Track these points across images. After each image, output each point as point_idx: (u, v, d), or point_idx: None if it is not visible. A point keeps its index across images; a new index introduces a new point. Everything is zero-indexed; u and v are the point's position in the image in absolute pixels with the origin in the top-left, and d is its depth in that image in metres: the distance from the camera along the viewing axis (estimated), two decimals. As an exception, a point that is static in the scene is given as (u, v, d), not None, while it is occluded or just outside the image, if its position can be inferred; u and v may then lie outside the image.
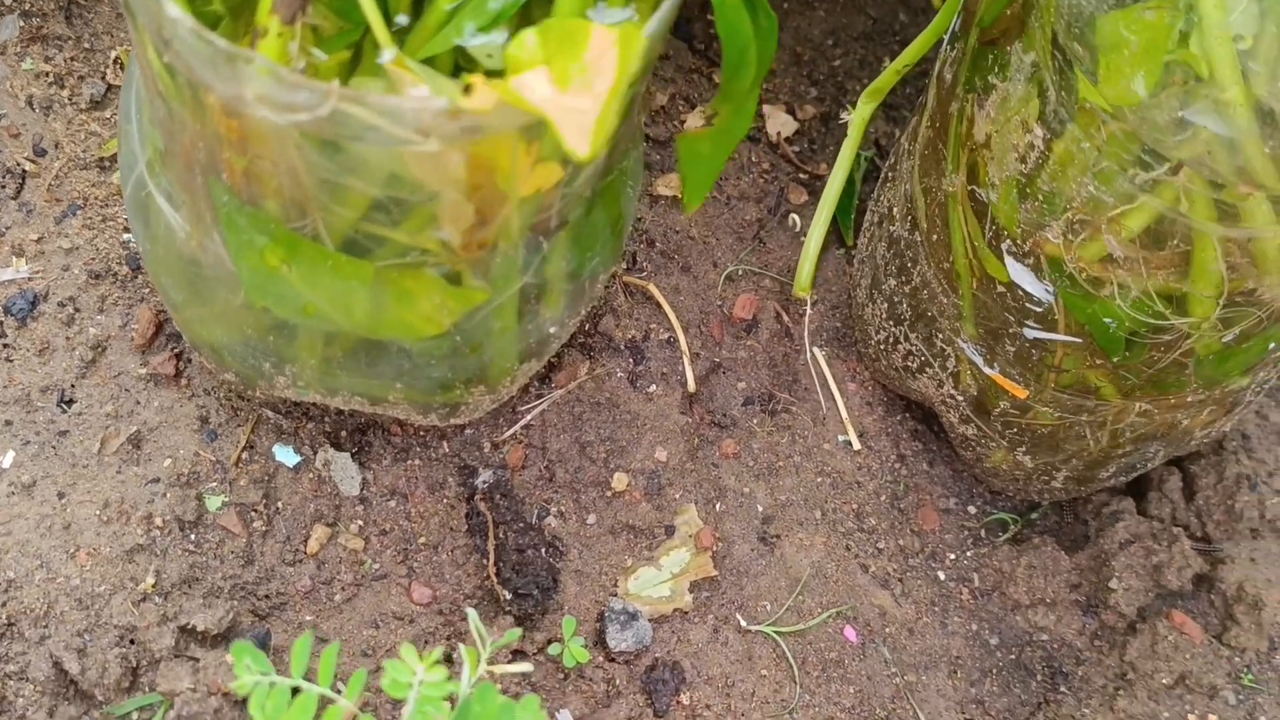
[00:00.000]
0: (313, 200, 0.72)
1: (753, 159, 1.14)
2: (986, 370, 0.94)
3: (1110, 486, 1.07)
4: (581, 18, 0.71)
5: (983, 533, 1.08)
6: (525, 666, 0.72)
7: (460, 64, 0.75)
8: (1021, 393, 0.93)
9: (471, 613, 0.75)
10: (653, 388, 1.02)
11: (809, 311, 1.10)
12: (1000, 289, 0.87)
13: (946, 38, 0.92)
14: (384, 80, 0.72)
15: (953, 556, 1.06)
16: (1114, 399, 0.91)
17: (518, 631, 0.77)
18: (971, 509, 1.09)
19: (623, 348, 1.03)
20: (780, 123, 1.16)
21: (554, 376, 1.00)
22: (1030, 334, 0.88)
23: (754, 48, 0.79)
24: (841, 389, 1.09)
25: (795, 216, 1.14)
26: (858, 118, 1.09)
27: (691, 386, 1.03)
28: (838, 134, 1.19)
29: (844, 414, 1.08)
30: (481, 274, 0.78)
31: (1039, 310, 0.86)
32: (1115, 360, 0.86)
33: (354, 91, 0.63)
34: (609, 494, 0.98)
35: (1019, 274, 0.85)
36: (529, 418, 0.98)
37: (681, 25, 1.19)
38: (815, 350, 1.10)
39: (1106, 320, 0.83)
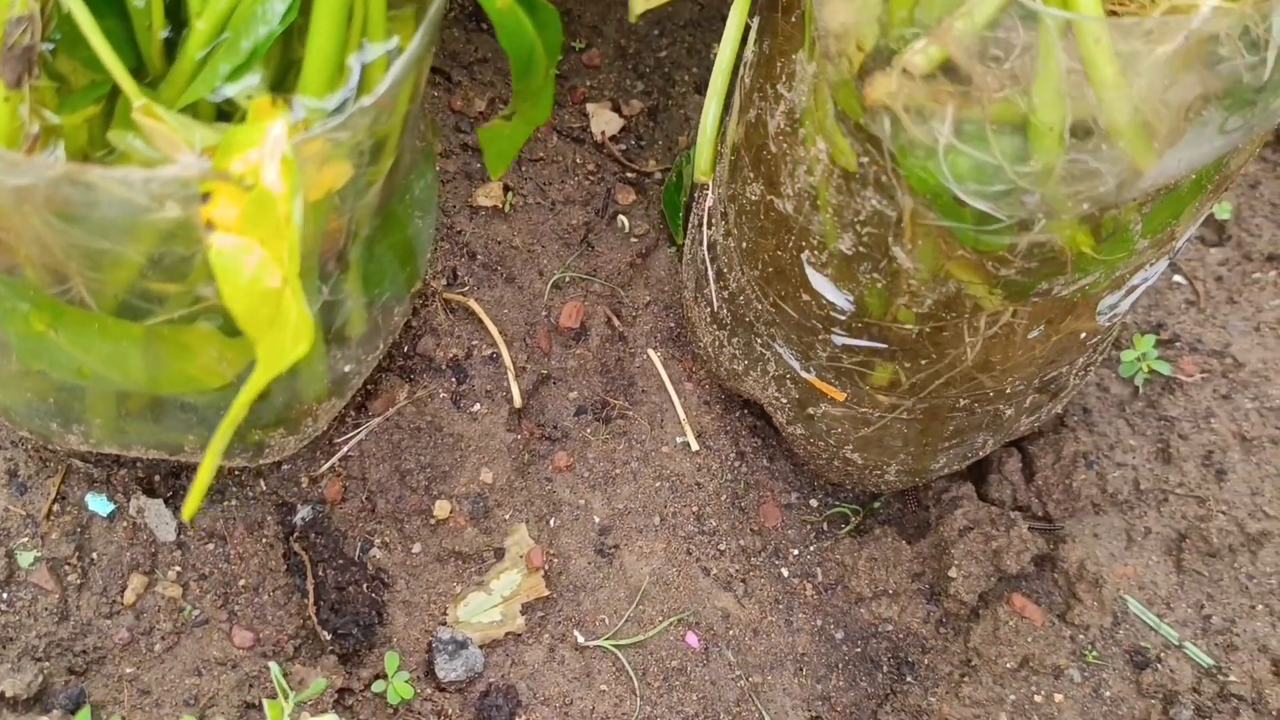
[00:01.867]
0: (69, 265, 0.70)
1: (578, 160, 1.13)
2: (804, 374, 0.93)
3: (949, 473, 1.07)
4: (338, 57, 0.69)
5: (825, 526, 1.07)
6: (330, 718, 0.71)
7: (224, 107, 0.73)
8: (839, 395, 0.93)
9: (274, 666, 0.74)
10: (477, 407, 1.01)
11: (641, 313, 1.09)
12: (806, 297, 0.86)
13: (751, 38, 0.91)
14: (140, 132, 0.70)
15: (796, 552, 1.06)
16: (920, 397, 0.90)
17: (322, 684, 0.76)
18: (814, 502, 1.08)
19: (444, 367, 1.01)
20: (605, 121, 1.14)
21: (371, 404, 0.98)
22: (838, 340, 0.88)
23: (538, 44, 0.77)
24: (679, 389, 1.08)
25: (624, 217, 1.12)
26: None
27: (518, 402, 1.01)
28: (667, 127, 1.17)
29: (681, 415, 1.07)
30: (264, 321, 0.76)
31: (843, 318, 0.85)
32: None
33: (78, 168, 0.61)
34: (433, 522, 0.96)
35: (820, 283, 0.84)
36: (346, 449, 0.97)
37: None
38: (650, 352, 1.08)
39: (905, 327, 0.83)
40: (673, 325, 1.10)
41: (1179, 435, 1.11)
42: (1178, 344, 1.15)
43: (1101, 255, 0.77)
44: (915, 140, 0.66)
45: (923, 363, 0.86)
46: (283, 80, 0.72)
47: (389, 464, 0.97)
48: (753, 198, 0.88)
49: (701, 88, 1.19)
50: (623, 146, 1.14)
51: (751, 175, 0.87)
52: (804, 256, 0.84)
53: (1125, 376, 1.12)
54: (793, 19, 0.80)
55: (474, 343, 1.03)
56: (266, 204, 0.57)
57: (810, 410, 0.96)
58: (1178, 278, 1.18)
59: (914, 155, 0.67)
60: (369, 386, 0.98)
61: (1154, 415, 1.12)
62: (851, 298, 0.83)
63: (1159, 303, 1.17)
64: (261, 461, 0.87)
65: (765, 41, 0.84)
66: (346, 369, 0.82)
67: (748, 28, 0.90)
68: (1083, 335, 0.88)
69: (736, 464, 1.07)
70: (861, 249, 0.79)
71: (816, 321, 0.87)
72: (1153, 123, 0.62)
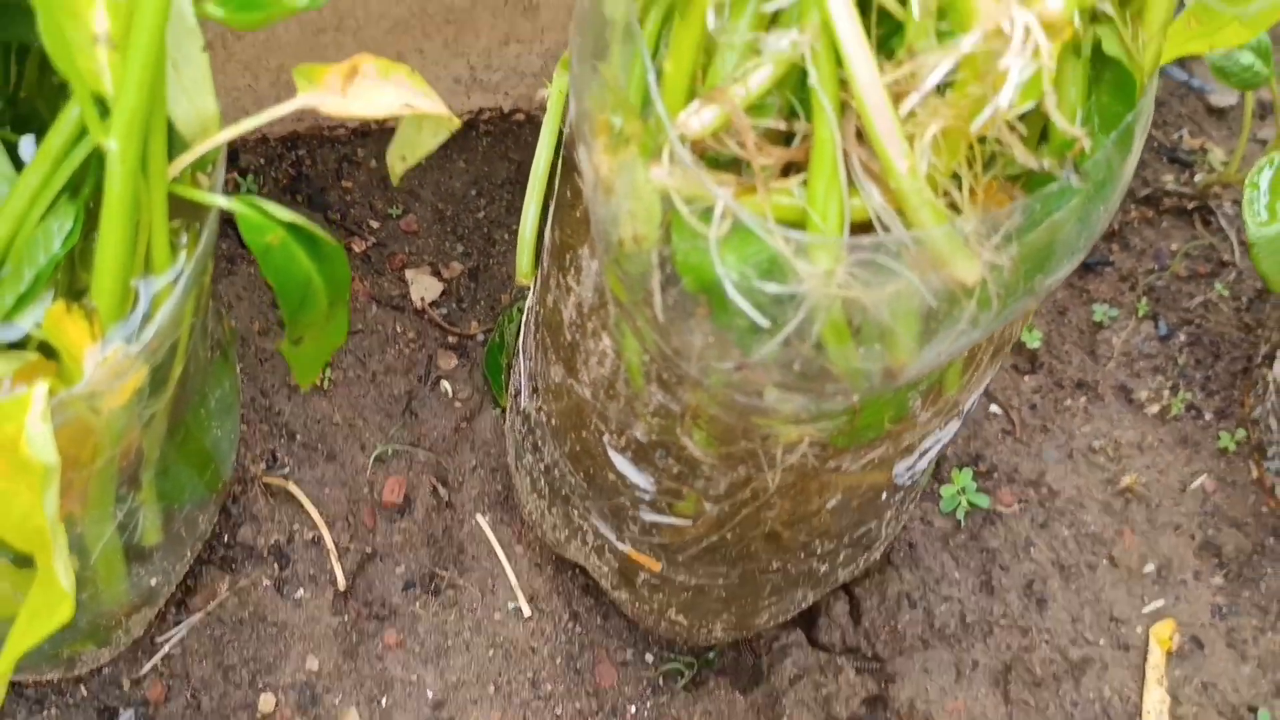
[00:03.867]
0: None
1: (398, 329, 1.14)
2: (620, 546, 0.95)
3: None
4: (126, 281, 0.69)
5: (661, 681, 1.08)
6: None
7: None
8: (655, 566, 0.94)
9: None
10: (300, 592, 1.00)
11: (468, 478, 1.10)
12: (612, 477, 0.88)
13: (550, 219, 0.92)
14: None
15: (633, 709, 1.06)
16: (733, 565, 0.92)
17: None
18: (649, 657, 1.09)
19: (265, 555, 1.01)
20: (424, 287, 1.16)
21: (191, 600, 0.98)
22: (647, 517, 0.89)
23: (316, 279, 0.77)
24: (509, 554, 1.08)
25: (447, 382, 1.13)
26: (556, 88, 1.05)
27: (342, 584, 1.01)
28: (489, 287, 1.18)
29: (513, 580, 1.07)
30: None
31: (647, 498, 0.87)
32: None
33: None
34: (259, 717, 0.96)
35: (622, 465, 0.86)
36: (168, 648, 0.96)
37: (315, 196, 1.18)
38: (479, 517, 1.09)
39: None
40: (500, 488, 1.10)
41: (1000, 566, 1.14)
42: (995, 475, 1.18)
43: (887, 426, 0.79)
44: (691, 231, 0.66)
45: (728, 538, 0.88)
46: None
47: (212, 660, 0.96)
48: (556, 379, 0.89)
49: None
50: (444, 310, 1.15)
51: (554, 357, 0.89)
52: (605, 439, 0.85)
53: (946, 512, 1.15)
54: (577, 213, 0.82)
55: (295, 526, 1.03)
56: (29, 469, 0.58)
57: (631, 578, 0.98)
58: (994, 407, 1.21)
59: (691, 249, 0.66)
60: (189, 582, 0.98)
61: (976, 548, 1.15)
62: (653, 480, 0.85)
63: (977, 433, 1.20)
64: (76, 672, 0.86)
65: (556, 231, 0.86)
66: (153, 582, 0.82)
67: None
68: (884, 496, 0.91)
69: (570, 625, 1.08)
70: (655, 437, 0.80)
71: (625, 499, 0.89)
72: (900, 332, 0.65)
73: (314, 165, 1.20)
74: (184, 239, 0.65)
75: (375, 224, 1.19)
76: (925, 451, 0.88)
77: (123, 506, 0.76)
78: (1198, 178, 1.33)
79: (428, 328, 1.15)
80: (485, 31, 1.17)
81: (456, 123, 0.74)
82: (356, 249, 1.17)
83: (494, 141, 1.25)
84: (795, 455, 0.77)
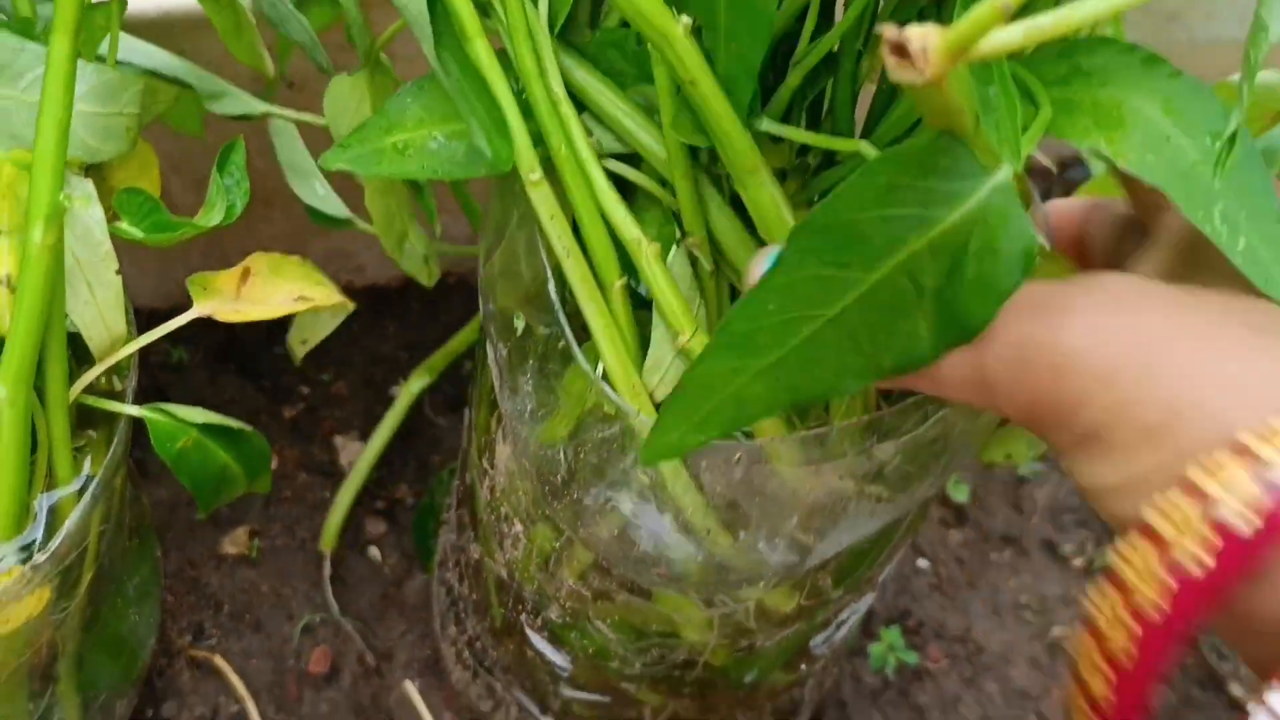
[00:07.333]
0: None
1: (326, 495, 1.14)
2: (542, 720, 0.95)
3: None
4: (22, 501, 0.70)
5: None
6: None
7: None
8: (579, 740, 0.95)
9: None
10: (224, 769, 1.00)
11: (397, 644, 1.10)
12: (530, 654, 0.88)
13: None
14: None
15: None
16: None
17: None
18: (578, 824, 1.09)
19: (189, 731, 1.01)
20: (354, 452, 1.17)
21: (111, 782, 0.97)
22: (566, 693, 0.90)
23: (235, 466, 0.78)
24: (438, 720, 1.08)
25: (375, 549, 1.13)
26: (406, 392, 1.10)
27: (266, 759, 1.01)
28: (419, 450, 1.19)
29: (441, 747, 1.07)
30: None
31: (565, 675, 0.87)
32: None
33: None
34: None
35: (539, 644, 0.87)
36: (86, 831, 0.95)
37: (246, 362, 1.19)
38: (408, 683, 1.09)
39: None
40: (429, 654, 1.10)
41: (929, 724, 1.14)
42: (923, 630, 1.19)
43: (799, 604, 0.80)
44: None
45: (646, 714, 0.89)
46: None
47: (131, 843, 0.96)
48: (474, 556, 0.90)
49: (454, 405, 1.22)
50: (373, 476, 1.16)
51: (472, 534, 0.90)
52: (522, 618, 0.86)
53: (875, 669, 1.16)
54: (490, 398, 0.83)
55: (220, 699, 1.02)
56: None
57: (555, 750, 0.98)
58: (922, 562, 1.23)
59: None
60: (108, 763, 0.97)
61: (905, 704, 1.15)
62: (568, 659, 0.85)
63: (905, 588, 1.21)
64: None
65: (474, 411, 0.87)
66: (69, 775, 0.82)
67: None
68: (802, 668, 0.92)
69: (499, 792, 1.07)
70: (568, 619, 0.81)
71: (544, 675, 0.89)
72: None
73: (246, 330, 1.21)
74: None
75: (306, 389, 1.20)
76: (842, 623, 0.89)
77: (39, 702, 0.76)
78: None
79: (357, 494, 1.15)
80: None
81: (350, 305, 0.76)
82: (286, 415, 1.18)
83: (425, 306, 1.26)
84: (705, 638, 0.78)
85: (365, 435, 1.18)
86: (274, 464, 1.15)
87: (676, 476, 0.65)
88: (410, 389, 1.10)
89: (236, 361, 1.19)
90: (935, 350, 0.48)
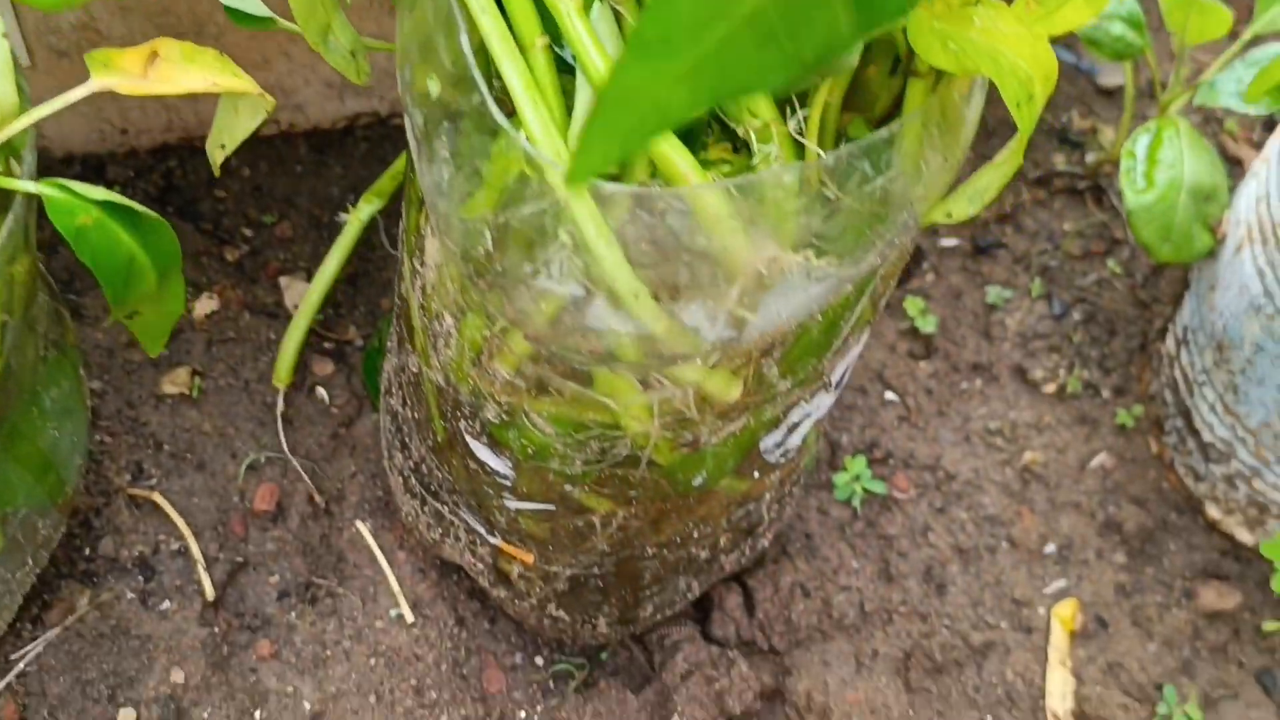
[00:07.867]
0: None
1: (272, 336, 1.11)
2: (491, 540, 0.92)
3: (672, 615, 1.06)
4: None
5: (552, 684, 1.05)
6: None
7: None
8: (528, 558, 0.92)
9: None
10: (166, 604, 0.97)
11: (348, 484, 1.07)
12: (474, 465, 0.85)
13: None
14: None
15: (523, 714, 1.03)
16: (617, 544, 0.90)
17: None
18: (539, 660, 1.06)
19: (129, 567, 0.97)
20: (299, 293, 1.13)
21: (47, 615, 0.94)
22: (511, 505, 0.86)
23: (141, 256, 0.74)
24: (391, 560, 1.05)
25: (322, 389, 1.10)
26: (355, 218, 1.06)
27: (210, 594, 0.98)
28: (368, 292, 1.16)
29: (395, 586, 1.04)
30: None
31: (508, 484, 0.84)
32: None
33: None
34: (120, 733, 0.92)
35: (481, 452, 0.83)
36: (22, 664, 0.92)
37: (187, 206, 1.15)
38: (359, 523, 1.06)
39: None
40: (381, 494, 1.07)
41: (898, 553, 1.12)
42: (891, 461, 1.16)
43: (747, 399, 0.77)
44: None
45: (595, 521, 0.85)
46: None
47: (70, 676, 0.93)
48: (413, 370, 0.87)
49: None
50: (320, 316, 1.12)
51: (410, 347, 0.86)
52: (461, 426, 0.83)
53: (841, 500, 1.13)
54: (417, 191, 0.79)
55: (160, 537, 0.99)
56: None
57: (506, 573, 0.95)
58: (889, 394, 1.19)
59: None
60: (45, 596, 0.94)
61: (874, 535, 1.12)
62: (510, 464, 0.82)
63: (873, 421, 1.18)
64: (-81, 693, 0.83)
65: (406, 216, 0.84)
66: (-12, 596, 0.79)
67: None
68: (755, 474, 0.88)
69: (456, 630, 1.04)
70: (505, 417, 0.78)
71: (488, 488, 0.86)
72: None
73: (185, 176, 1.17)
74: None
75: (249, 232, 1.16)
76: (794, 426, 0.85)
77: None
78: (1089, 157, 1.32)
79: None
80: (355, 33, 1.14)
81: (270, 101, 0.72)
82: (230, 257, 1.14)
83: (371, 146, 1.22)
84: (646, 428, 0.75)
85: (311, 276, 1.14)
86: (216, 305, 1.11)
87: (600, 233, 0.61)
88: (359, 215, 1.06)
89: (176, 206, 1.15)
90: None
